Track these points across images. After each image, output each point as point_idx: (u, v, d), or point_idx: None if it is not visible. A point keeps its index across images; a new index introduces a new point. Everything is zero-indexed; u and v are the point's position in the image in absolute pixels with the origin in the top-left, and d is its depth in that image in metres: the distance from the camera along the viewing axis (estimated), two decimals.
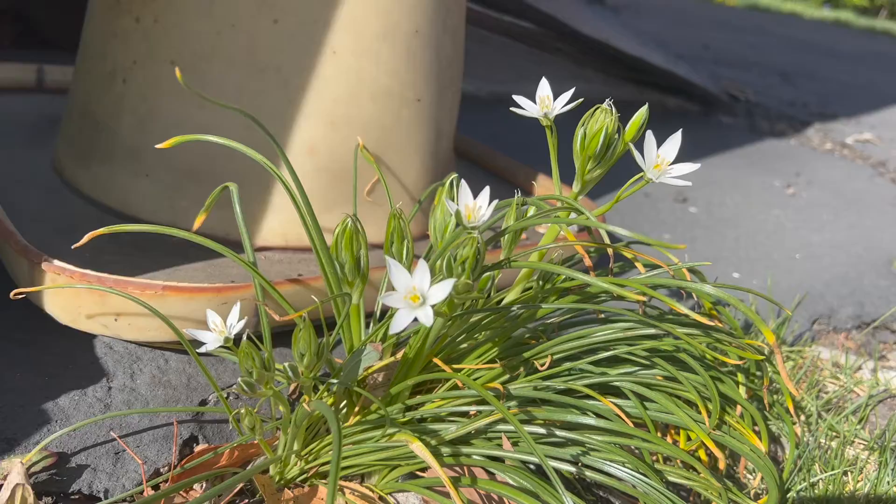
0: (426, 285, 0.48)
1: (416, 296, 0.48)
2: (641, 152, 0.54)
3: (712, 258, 1.18)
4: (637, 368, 0.63)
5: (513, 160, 1.15)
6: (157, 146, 0.60)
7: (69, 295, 0.62)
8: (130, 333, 0.63)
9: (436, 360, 0.62)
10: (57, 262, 0.62)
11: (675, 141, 0.54)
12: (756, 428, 0.66)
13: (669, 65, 1.94)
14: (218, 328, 0.52)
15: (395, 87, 0.80)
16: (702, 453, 0.64)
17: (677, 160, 0.54)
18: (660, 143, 0.54)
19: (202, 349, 0.51)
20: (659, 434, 0.66)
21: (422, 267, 0.48)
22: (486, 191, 0.51)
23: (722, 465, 0.62)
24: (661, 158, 0.53)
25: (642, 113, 0.57)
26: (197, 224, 0.64)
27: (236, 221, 0.77)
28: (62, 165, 0.85)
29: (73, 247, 0.53)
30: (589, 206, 1.02)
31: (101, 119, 0.81)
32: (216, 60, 0.75)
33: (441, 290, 0.47)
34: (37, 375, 0.63)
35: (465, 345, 0.66)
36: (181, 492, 0.58)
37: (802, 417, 0.80)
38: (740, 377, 0.69)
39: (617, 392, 0.64)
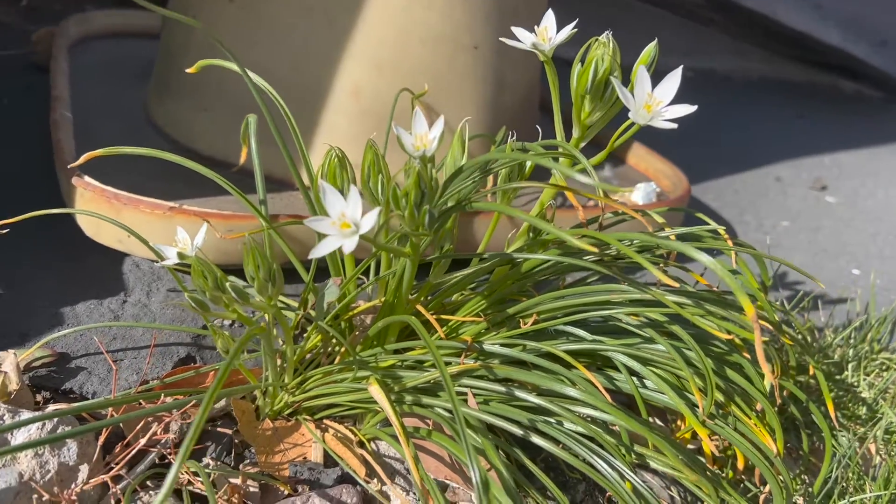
0: (358, 213, 0.45)
1: (346, 223, 0.45)
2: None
3: (834, 251, 1.04)
4: (638, 340, 0.56)
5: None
6: (187, 69, 0.62)
7: (91, 209, 0.65)
8: (140, 250, 0.66)
9: (419, 308, 0.59)
10: (86, 178, 0.66)
11: (674, 78, 0.47)
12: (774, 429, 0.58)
13: (848, 44, 1.74)
14: (180, 244, 0.53)
15: (447, 31, 0.77)
16: (705, 445, 0.57)
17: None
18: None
19: (162, 263, 0.52)
20: (655, 419, 0.59)
21: (353, 193, 0.46)
22: (441, 120, 0.47)
23: (709, 458, 0.54)
24: (654, 98, 0.47)
25: (651, 48, 0.50)
26: (242, 158, 0.66)
27: (276, 159, 0.78)
28: (147, 102, 0.90)
29: (69, 166, 0.55)
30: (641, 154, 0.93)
31: (175, 55, 0.85)
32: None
33: (369, 219, 0.45)
34: (66, 283, 0.67)
35: (457, 296, 0.62)
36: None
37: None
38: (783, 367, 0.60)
39: (612, 363, 0.57)
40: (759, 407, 0.57)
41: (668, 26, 1.71)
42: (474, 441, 0.49)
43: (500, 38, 0.52)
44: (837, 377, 0.75)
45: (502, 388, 0.52)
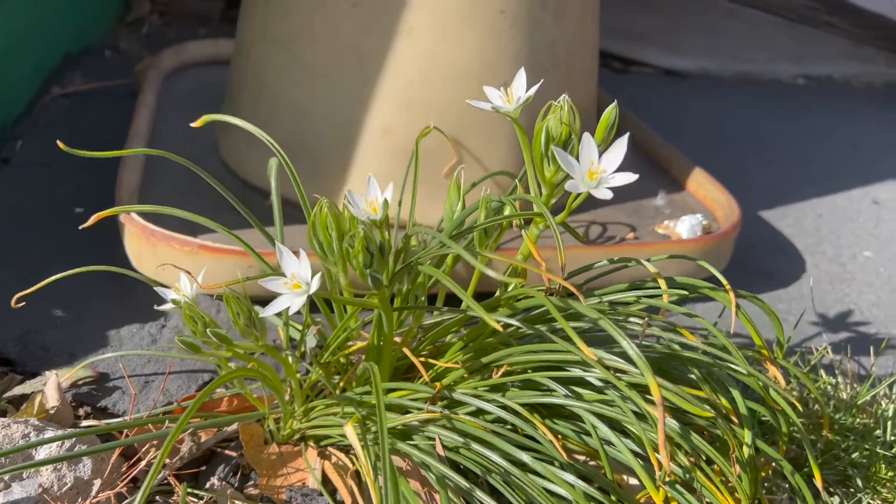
0: (307, 274, 0.49)
1: (297, 284, 0.49)
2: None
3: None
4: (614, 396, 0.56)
5: (673, 149, 1.05)
6: (192, 124, 0.67)
7: (135, 243, 0.73)
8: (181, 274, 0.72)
9: (405, 350, 0.62)
10: (133, 215, 0.73)
11: (619, 148, 0.47)
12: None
13: None
14: (182, 287, 0.58)
15: (476, 69, 0.78)
16: None
17: None
18: None
19: (160, 307, 0.58)
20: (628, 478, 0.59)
21: (303, 257, 0.49)
22: (390, 187, 0.50)
23: None
24: (596, 166, 0.47)
25: (610, 112, 0.50)
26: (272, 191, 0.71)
27: (315, 192, 0.83)
28: (216, 133, 0.98)
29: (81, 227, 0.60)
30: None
31: (235, 90, 0.91)
32: (306, 41, 0.80)
33: (315, 281, 0.48)
34: (115, 307, 0.76)
35: (450, 336, 0.64)
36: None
37: None
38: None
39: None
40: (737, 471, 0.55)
41: (777, 30, 1.62)
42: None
43: (466, 100, 0.53)
44: (878, 433, 0.70)
45: (461, 440, 0.54)
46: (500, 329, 0.42)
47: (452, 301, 0.76)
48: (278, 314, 0.53)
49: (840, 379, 0.76)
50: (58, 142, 0.56)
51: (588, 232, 0.86)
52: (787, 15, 1.56)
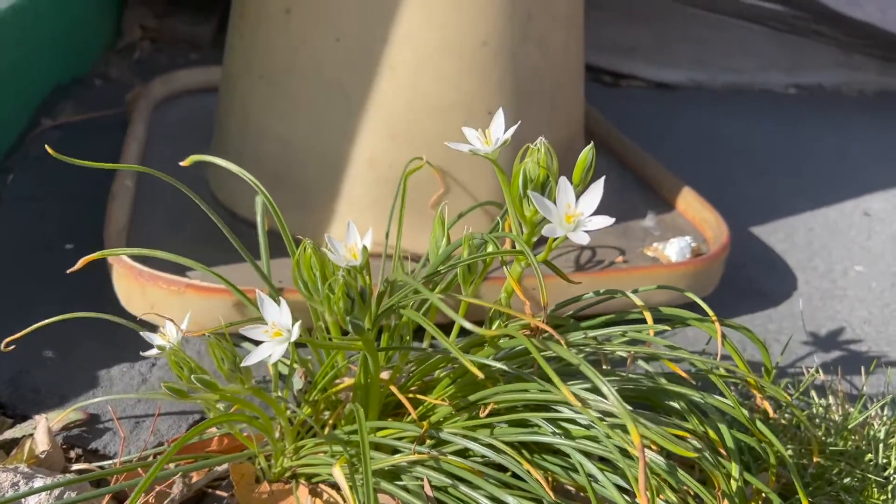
0: (288, 321, 0.49)
1: (278, 331, 0.49)
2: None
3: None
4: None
5: (662, 168, 1.05)
6: (181, 163, 0.68)
7: (123, 282, 0.73)
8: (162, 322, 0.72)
9: (392, 388, 0.62)
10: (122, 255, 0.74)
11: (596, 191, 0.47)
12: None
13: None
14: (166, 335, 0.59)
15: (459, 101, 0.79)
16: None
17: None
18: None
19: (145, 353, 0.58)
20: None
21: (283, 305, 0.49)
22: (370, 233, 0.50)
23: None
24: (573, 209, 0.47)
25: (586, 154, 0.50)
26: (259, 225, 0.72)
27: (304, 222, 0.84)
28: (204, 164, 0.98)
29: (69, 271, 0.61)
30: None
31: (223, 122, 0.92)
32: (292, 75, 0.81)
33: (296, 330, 0.48)
34: (105, 346, 0.76)
35: (439, 371, 0.64)
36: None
37: None
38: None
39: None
40: None
41: (766, 40, 1.62)
42: None
43: (446, 143, 0.53)
44: (870, 455, 0.70)
45: (448, 481, 0.54)
46: (481, 375, 0.42)
47: (445, 328, 0.76)
48: None
49: (831, 399, 0.76)
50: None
51: (577, 257, 0.86)
52: (776, 25, 1.56)
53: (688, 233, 0.93)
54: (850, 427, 0.71)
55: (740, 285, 0.95)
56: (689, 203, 0.98)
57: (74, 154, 0.58)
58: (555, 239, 0.49)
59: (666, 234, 0.93)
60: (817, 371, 0.78)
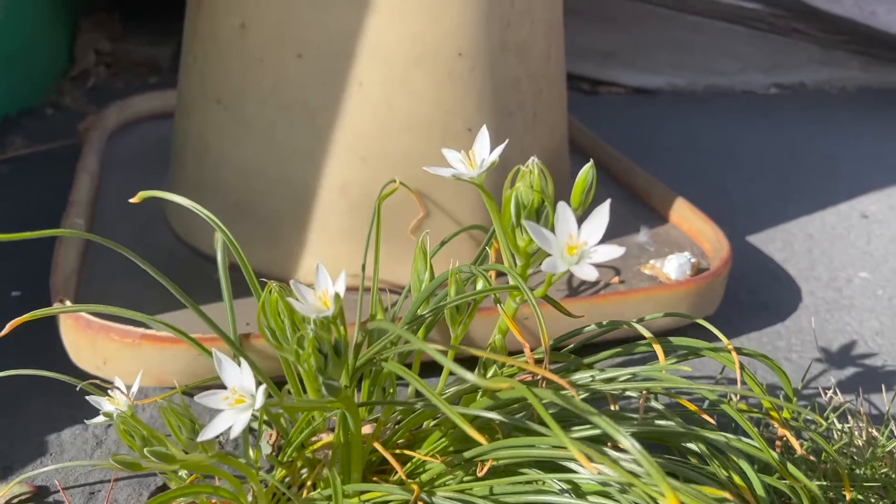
0: (251, 385, 0.42)
1: (241, 398, 0.42)
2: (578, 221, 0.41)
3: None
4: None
5: (652, 178, 0.99)
6: (131, 200, 0.61)
7: (71, 335, 0.65)
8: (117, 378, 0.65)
9: (376, 445, 0.55)
10: (67, 303, 0.66)
11: (600, 217, 0.41)
12: None
13: None
14: (116, 398, 0.51)
15: (435, 117, 0.72)
16: None
17: None
18: None
19: (90, 422, 0.51)
20: None
21: (245, 367, 0.42)
22: (342, 277, 0.43)
23: None
24: (575, 239, 0.40)
25: (586, 173, 0.44)
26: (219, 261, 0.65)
27: (273, 257, 0.77)
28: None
29: (9, 324, 0.53)
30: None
31: (177, 150, 0.85)
32: (249, 97, 0.74)
33: (261, 396, 0.41)
34: (56, 407, 0.68)
35: (428, 422, 0.58)
36: None
37: None
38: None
39: None
40: None
41: (745, 41, 1.58)
42: None
43: (424, 167, 0.47)
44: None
45: None
46: (481, 440, 0.35)
47: (432, 366, 0.69)
48: None
49: (853, 422, 0.70)
50: None
51: (569, 279, 0.80)
52: (755, 24, 1.52)
53: (684, 246, 0.88)
54: (878, 456, 0.65)
55: (743, 299, 0.90)
56: (683, 214, 0.92)
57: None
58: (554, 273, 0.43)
59: (662, 249, 0.87)
60: (835, 392, 0.73)
